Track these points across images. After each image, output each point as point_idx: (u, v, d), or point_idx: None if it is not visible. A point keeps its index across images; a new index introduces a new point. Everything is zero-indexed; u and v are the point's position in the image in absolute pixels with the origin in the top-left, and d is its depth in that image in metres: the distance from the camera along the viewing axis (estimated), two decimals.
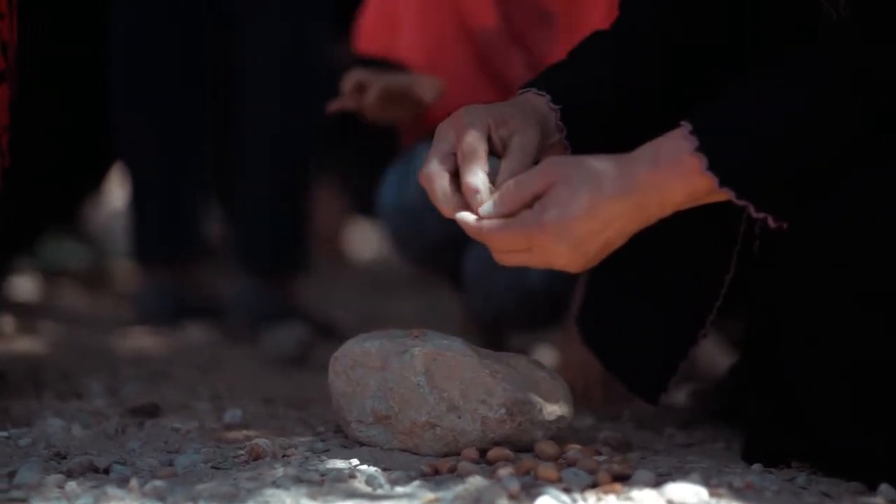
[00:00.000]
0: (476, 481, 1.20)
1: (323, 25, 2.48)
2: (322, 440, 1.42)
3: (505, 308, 1.96)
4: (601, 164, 1.22)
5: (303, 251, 2.52)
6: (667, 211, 1.23)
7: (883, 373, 1.22)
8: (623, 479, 1.23)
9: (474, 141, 1.27)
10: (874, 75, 1.20)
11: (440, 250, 2.01)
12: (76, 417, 1.54)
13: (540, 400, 1.35)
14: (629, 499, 1.17)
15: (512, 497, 1.16)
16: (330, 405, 1.45)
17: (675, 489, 1.18)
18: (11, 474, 1.25)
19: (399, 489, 1.20)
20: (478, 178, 1.25)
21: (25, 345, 2.18)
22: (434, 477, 1.25)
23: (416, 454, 1.34)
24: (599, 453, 1.35)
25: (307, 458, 1.32)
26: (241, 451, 1.34)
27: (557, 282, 1.89)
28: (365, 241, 3.80)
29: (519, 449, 1.34)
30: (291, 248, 2.50)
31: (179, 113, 2.52)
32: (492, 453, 1.30)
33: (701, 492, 1.18)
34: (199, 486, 1.21)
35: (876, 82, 1.20)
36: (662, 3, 1.43)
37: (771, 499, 1.19)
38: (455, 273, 2.04)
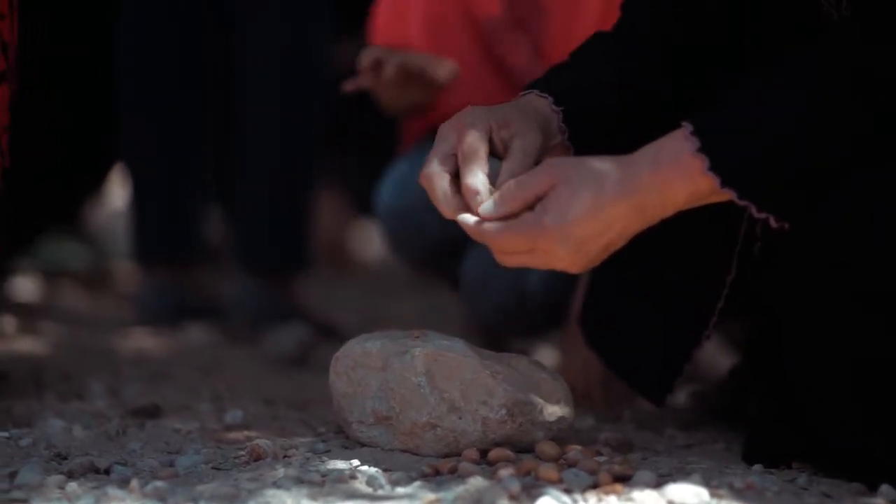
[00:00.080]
0: (477, 482, 1.20)
1: (323, 25, 2.48)
2: (323, 441, 1.42)
3: (504, 313, 1.95)
4: (602, 166, 1.22)
5: (304, 251, 2.52)
6: (668, 212, 1.23)
7: (883, 373, 1.22)
8: (624, 479, 1.23)
9: (475, 142, 1.27)
10: (874, 75, 1.20)
11: (438, 252, 2.01)
12: (77, 418, 1.54)
13: (541, 401, 1.35)
14: (630, 499, 1.17)
15: (513, 498, 1.16)
16: (331, 406, 1.45)
17: (676, 490, 1.18)
18: (12, 475, 1.25)
19: (400, 490, 1.21)
20: (478, 179, 1.25)
21: (26, 345, 2.18)
22: (435, 477, 1.25)
23: (416, 455, 1.34)
24: (600, 454, 1.35)
25: (308, 458, 1.32)
26: (242, 452, 1.34)
27: (557, 286, 1.89)
28: (366, 241, 3.80)
29: (520, 450, 1.34)
30: (292, 249, 2.50)
31: (180, 113, 2.52)
32: (492, 454, 1.30)
33: (702, 492, 1.18)
34: (200, 487, 1.21)
35: (876, 82, 1.20)
36: (663, 4, 1.43)
37: (772, 499, 1.19)
38: (453, 275, 2.04)
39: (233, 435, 1.48)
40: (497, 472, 1.23)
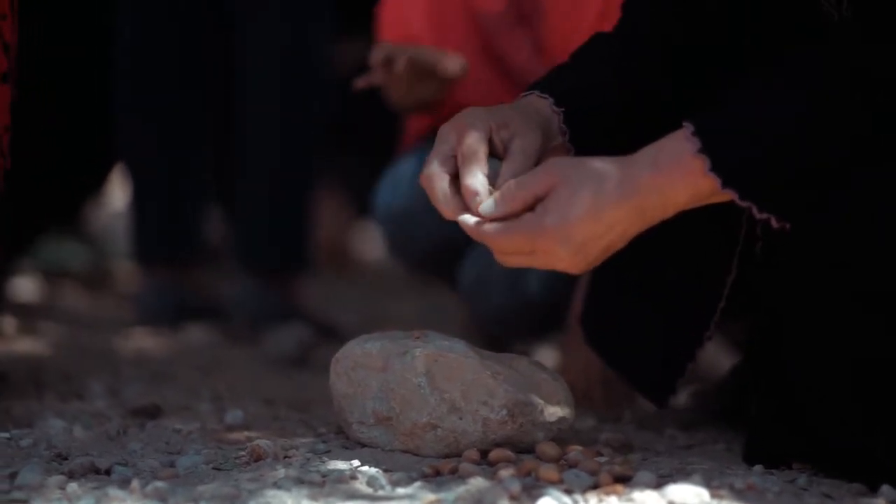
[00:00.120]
0: (477, 482, 1.20)
1: (323, 25, 2.48)
2: (323, 441, 1.42)
3: (503, 316, 1.95)
4: (603, 167, 1.22)
5: (304, 251, 2.52)
6: (669, 213, 1.23)
7: (883, 373, 1.22)
8: (624, 480, 1.23)
9: (474, 143, 1.27)
10: (874, 75, 1.20)
11: (436, 253, 2.01)
12: (77, 418, 1.54)
13: (541, 401, 1.35)
14: (630, 500, 1.17)
15: (513, 498, 1.16)
16: (331, 406, 1.45)
17: (677, 490, 1.18)
18: (13, 475, 1.25)
19: (400, 490, 1.21)
20: (477, 179, 1.25)
21: (27, 346, 2.19)
22: (435, 478, 1.25)
23: (417, 455, 1.34)
24: (601, 454, 1.35)
25: (308, 459, 1.32)
26: (243, 453, 1.34)
27: (556, 289, 1.89)
28: (367, 242, 3.80)
29: (520, 450, 1.34)
30: (292, 249, 2.50)
31: (179, 113, 2.52)
32: (493, 454, 1.30)
33: (702, 493, 1.18)
34: (201, 488, 1.21)
35: (875, 82, 1.20)
36: (664, 5, 1.43)
37: (772, 500, 1.19)
38: (451, 276, 2.04)
39: (233, 435, 1.48)
40: (497, 473, 1.23)
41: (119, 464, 1.31)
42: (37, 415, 1.56)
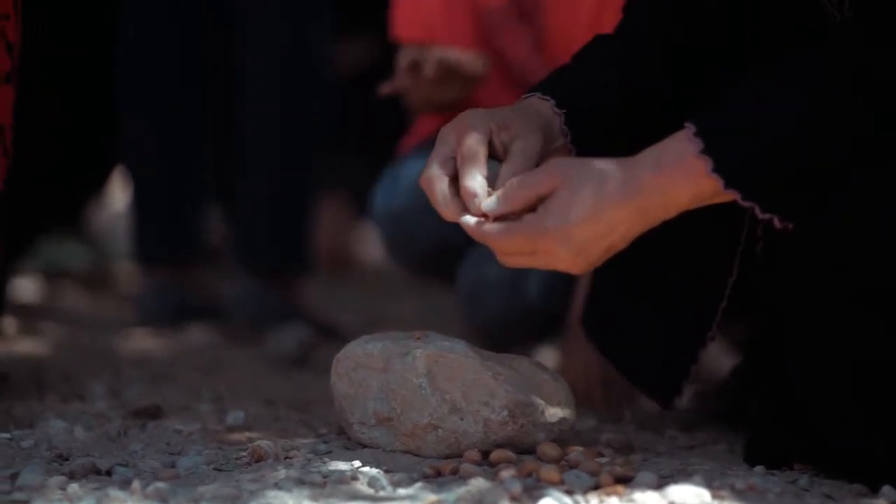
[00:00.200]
0: (478, 483, 1.20)
1: (323, 25, 2.48)
2: (324, 442, 1.42)
3: (501, 322, 1.94)
4: (605, 168, 1.22)
5: (304, 252, 2.52)
6: (671, 213, 1.23)
7: (884, 373, 1.22)
8: (625, 481, 1.23)
9: (474, 144, 1.27)
10: (875, 75, 1.20)
11: (434, 255, 2.01)
12: (78, 419, 1.54)
13: (542, 402, 1.35)
14: (631, 501, 1.17)
15: (514, 499, 1.16)
16: (332, 407, 1.45)
17: (678, 491, 1.18)
18: (14, 476, 1.25)
19: (401, 491, 1.21)
20: (476, 181, 1.25)
21: (27, 346, 2.18)
22: (436, 479, 1.25)
23: (418, 456, 1.34)
24: (601, 455, 1.35)
25: (309, 459, 1.32)
26: (244, 453, 1.34)
27: (554, 296, 1.89)
28: (367, 242, 3.80)
29: (521, 451, 1.34)
30: (293, 249, 2.50)
31: (180, 113, 2.52)
32: (494, 455, 1.30)
33: (703, 494, 1.18)
34: (202, 488, 1.21)
35: (877, 82, 1.20)
36: (664, 5, 1.43)
37: (773, 501, 1.19)
38: (449, 277, 2.04)
39: (234, 436, 1.48)
40: (498, 474, 1.23)
41: (120, 464, 1.31)
42: (38, 415, 1.56)
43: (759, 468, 1.32)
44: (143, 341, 2.33)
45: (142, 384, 1.85)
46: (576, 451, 1.32)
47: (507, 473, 1.22)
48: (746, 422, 1.44)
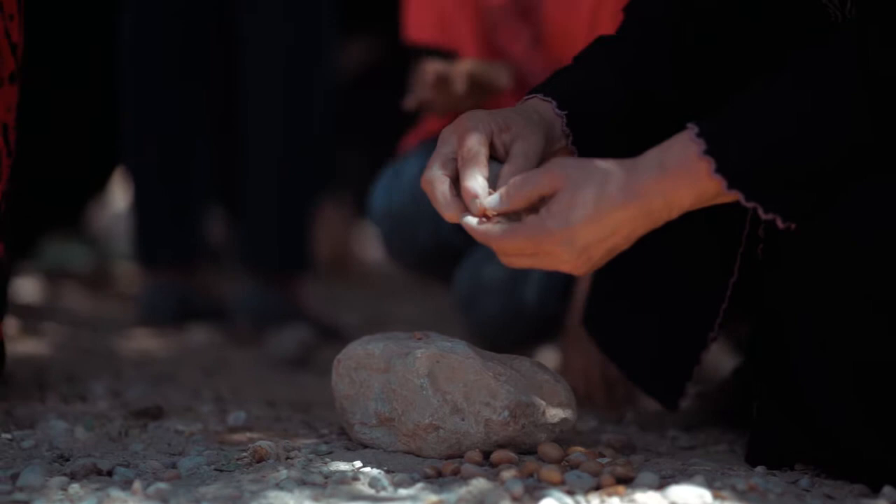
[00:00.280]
0: (479, 483, 1.20)
1: (326, 25, 2.48)
2: (325, 442, 1.42)
3: (497, 327, 1.94)
4: (607, 169, 1.21)
5: (306, 252, 2.52)
6: (674, 214, 1.23)
7: (887, 374, 1.22)
8: (626, 481, 1.23)
9: (475, 145, 1.27)
10: (881, 77, 1.20)
11: (431, 254, 2.01)
12: (80, 419, 1.54)
13: (543, 402, 1.35)
14: (632, 501, 1.17)
15: (515, 499, 1.16)
16: (333, 407, 1.45)
17: (679, 491, 1.18)
18: (15, 476, 1.25)
19: (402, 491, 1.21)
20: (476, 182, 1.25)
21: (29, 347, 2.18)
22: (437, 479, 1.25)
23: (419, 456, 1.34)
24: (603, 456, 1.35)
25: (310, 460, 1.32)
26: (245, 454, 1.34)
27: (551, 300, 1.89)
28: (368, 242, 3.80)
29: (522, 451, 1.34)
30: (295, 250, 2.50)
31: (181, 114, 2.52)
32: (495, 455, 1.30)
33: (704, 494, 1.18)
34: (203, 489, 1.21)
35: (881, 83, 1.20)
36: (666, 6, 1.43)
37: (774, 501, 1.19)
38: (448, 277, 2.04)
39: (235, 436, 1.48)
40: (500, 474, 1.23)
41: (121, 465, 1.31)
42: (39, 416, 1.56)
43: (760, 468, 1.32)
44: (144, 342, 2.33)
45: (143, 385, 1.85)
46: (577, 452, 1.32)
47: (508, 474, 1.23)
48: (747, 422, 1.44)
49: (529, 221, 1.23)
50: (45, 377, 1.84)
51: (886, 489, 1.22)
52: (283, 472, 1.26)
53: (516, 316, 1.91)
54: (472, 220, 1.25)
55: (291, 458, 1.33)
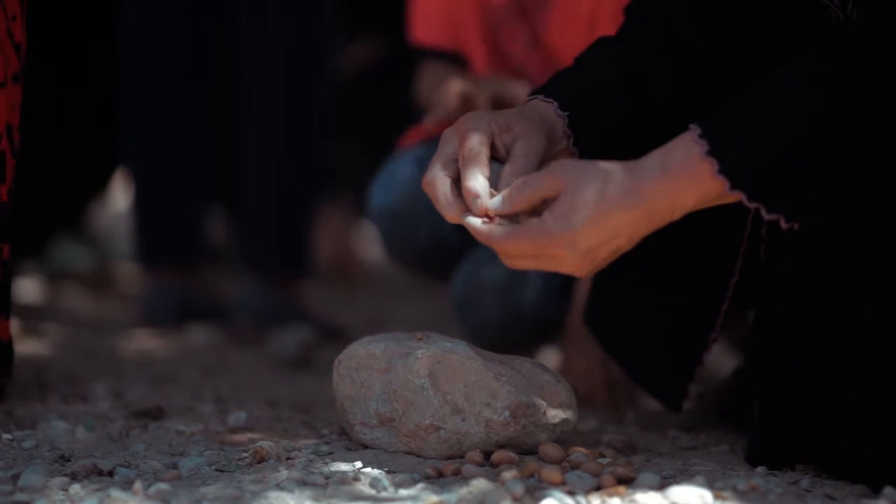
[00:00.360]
0: (480, 484, 1.20)
1: (327, 25, 2.48)
2: (326, 443, 1.42)
3: (495, 329, 1.94)
4: (610, 171, 1.21)
5: (307, 253, 2.52)
6: (677, 216, 1.23)
7: (889, 375, 1.22)
8: (627, 481, 1.23)
9: (476, 145, 1.27)
10: (884, 77, 1.20)
11: (429, 253, 2.01)
12: (80, 420, 1.54)
13: (544, 403, 1.35)
14: (633, 501, 1.17)
15: (516, 500, 1.16)
16: (334, 408, 1.45)
17: (679, 492, 1.18)
18: (15, 477, 1.25)
19: (403, 492, 1.21)
20: (477, 182, 1.25)
21: (30, 347, 2.19)
22: (438, 479, 1.25)
23: (420, 457, 1.34)
24: (603, 456, 1.35)
25: (311, 460, 1.32)
26: (246, 454, 1.34)
27: (549, 302, 1.89)
28: (369, 243, 3.80)
29: (523, 452, 1.34)
30: (296, 250, 2.50)
31: (182, 114, 2.52)
32: (496, 456, 1.30)
33: (705, 494, 1.18)
34: (203, 489, 1.21)
35: (884, 82, 1.20)
36: (668, 7, 1.43)
37: (775, 502, 1.19)
38: (446, 276, 2.04)
39: (236, 437, 1.48)
40: (500, 475, 1.23)
41: (122, 465, 1.31)
42: (40, 416, 1.56)
43: (760, 469, 1.32)
44: (145, 342, 2.33)
45: (144, 385, 1.85)
46: (578, 452, 1.32)
47: (508, 474, 1.23)
48: (748, 422, 1.44)
49: (532, 224, 1.23)
50: (45, 377, 1.84)
51: (887, 489, 1.22)
52: (284, 473, 1.26)
53: (515, 318, 1.91)
54: (474, 221, 1.25)
55: (292, 459, 1.33)
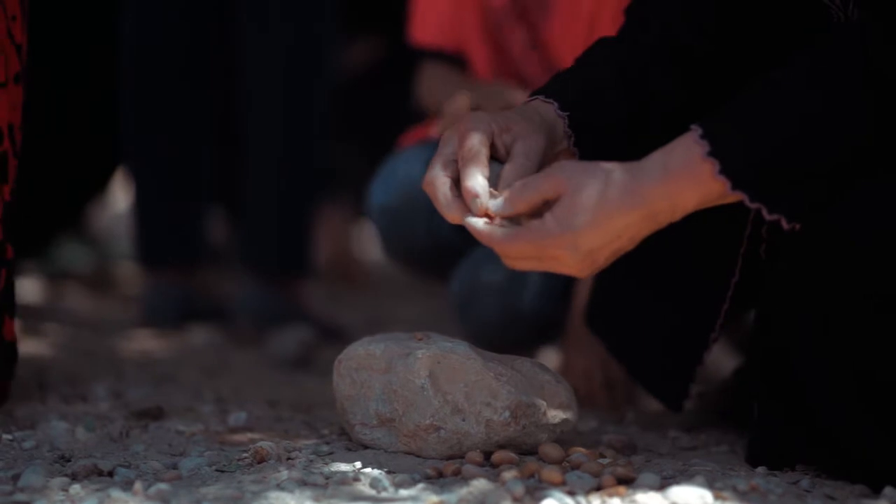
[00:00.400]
0: (480, 484, 1.20)
1: (327, 25, 2.48)
2: (326, 443, 1.42)
3: (494, 329, 1.94)
4: (611, 172, 1.21)
5: (308, 253, 2.52)
6: (678, 216, 1.23)
7: (889, 375, 1.22)
8: (627, 482, 1.23)
9: (476, 145, 1.27)
10: (885, 76, 1.20)
11: (428, 252, 2.01)
12: (81, 420, 1.54)
13: (544, 403, 1.35)
14: (633, 502, 1.17)
15: (516, 500, 1.16)
16: (334, 408, 1.45)
17: (680, 492, 1.18)
18: (16, 477, 1.25)
19: (403, 492, 1.21)
20: (477, 182, 1.25)
21: (30, 347, 2.19)
22: (438, 480, 1.25)
23: (420, 457, 1.34)
24: (603, 456, 1.35)
25: (311, 460, 1.32)
26: (246, 454, 1.34)
27: (548, 303, 1.89)
28: (369, 243, 3.80)
29: (523, 452, 1.34)
30: (296, 250, 2.50)
31: (182, 114, 2.52)
32: (496, 456, 1.30)
33: (705, 495, 1.18)
34: (204, 489, 1.21)
35: (884, 82, 1.20)
36: (669, 8, 1.43)
37: (775, 502, 1.19)
38: (445, 275, 2.04)
39: (236, 437, 1.48)
40: (500, 475, 1.23)
41: (122, 466, 1.31)
42: (40, 416, 1.56)
43: (761, 469, 1.32)
44: (145, 342, 2.33)
45: (144, 385, 1.85)
46: (578, 452, 1.32)
47: (509, 474, 1.23)
48: (748, 422, 1.44)
49: (533, 225, 1.22)
50: (46, 378, 1.84)
51: (887, 490, 1.22)
52: (284, 473, 1.26)
53: (514, 318, 1.91)
54: (476, 222, 1.25)
55: (292, 459, 1.33)
